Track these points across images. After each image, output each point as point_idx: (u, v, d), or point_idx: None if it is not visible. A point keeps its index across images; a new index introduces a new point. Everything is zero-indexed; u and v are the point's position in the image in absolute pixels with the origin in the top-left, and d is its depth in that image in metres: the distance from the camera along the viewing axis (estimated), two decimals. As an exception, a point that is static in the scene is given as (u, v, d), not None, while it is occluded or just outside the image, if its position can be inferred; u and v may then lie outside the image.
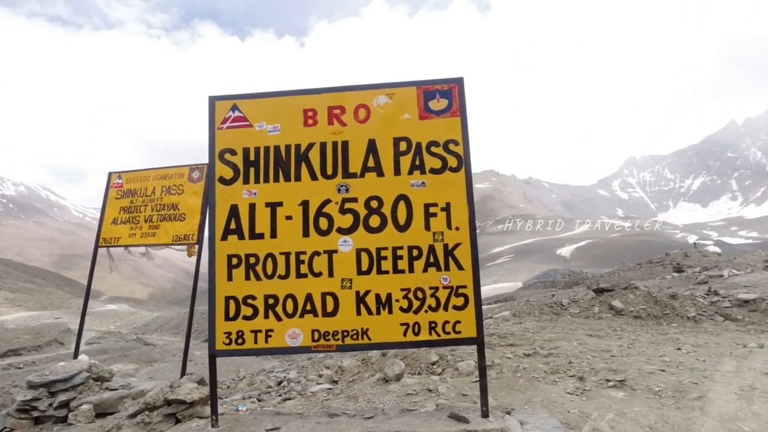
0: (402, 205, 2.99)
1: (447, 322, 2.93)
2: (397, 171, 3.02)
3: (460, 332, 2.92)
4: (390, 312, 2.93)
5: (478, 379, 5.23)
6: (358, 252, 2.99)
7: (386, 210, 2.99)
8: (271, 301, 2.97)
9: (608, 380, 4.73)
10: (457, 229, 2.98)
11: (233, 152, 3.14)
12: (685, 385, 4.48)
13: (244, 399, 6.89)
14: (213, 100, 3.18)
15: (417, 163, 3.03)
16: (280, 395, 6.70)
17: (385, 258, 2.95)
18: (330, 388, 6.06)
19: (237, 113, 3.16)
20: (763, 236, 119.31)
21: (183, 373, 4.91)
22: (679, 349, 6.30)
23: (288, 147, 3.12)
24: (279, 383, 7.87)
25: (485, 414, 2.93)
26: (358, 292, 2.96)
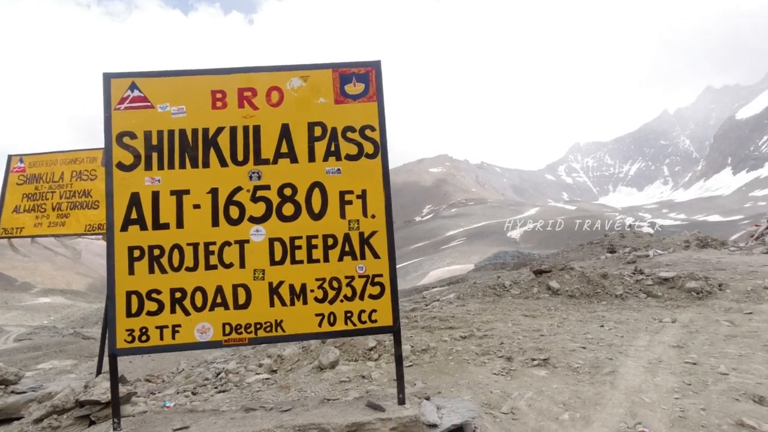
0: (317, 192, 2.89)
1: (363, 311, 2.89)
2: (311, 157, 2.91)
3: (376, 321, 2.90)
4: (305, 303, 2.86)
5: (411, 364, 5.33)
6: (271, 241, 2.87)
7: (300, 198, 2.89)
8: (178, 294, 2.80)
9: (533, 359, 4.94)
10: (373, 216, 2.92)
11: (133, 136, 2.89)
12: (601, 361, 4.76)
13: (178, 393, 6.63)
14: (108, 78, 2.89)
15: (332, 149, 2.93)
16: (216, 387, 6.51)
17: (300, 247, 2.86)
18: (267, 378, 5.94)
19: (136, 93, 2.90)
20: (690, 218, 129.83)
21: (99, 371, 4.62)
22: (602, 326, 6.69)
23: (195, 131, 2.92)
24: (217, 374, 7.65)
25: (401, 401, 2.95)
26: (271, 283, 2.85)
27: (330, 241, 2.88)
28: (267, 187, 2.89)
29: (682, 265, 11.95)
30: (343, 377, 4.90)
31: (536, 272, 12.30)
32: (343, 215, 2.90)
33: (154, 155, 2.88)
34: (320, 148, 2.92)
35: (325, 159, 2.92)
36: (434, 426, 2.80)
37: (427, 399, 3.20)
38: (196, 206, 2.87)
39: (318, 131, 2.93)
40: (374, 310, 2.89)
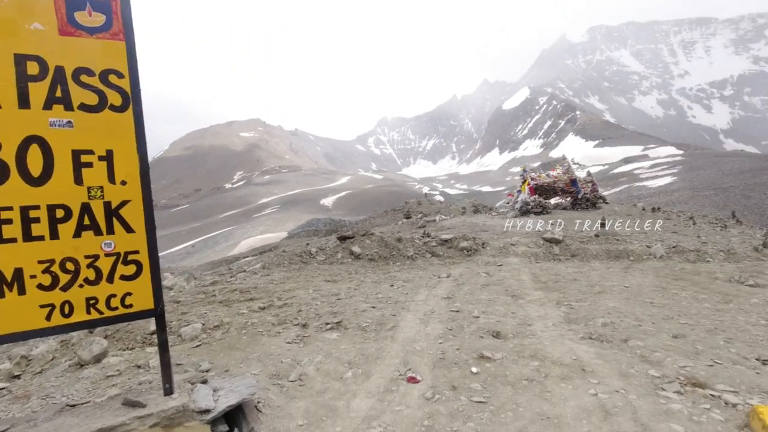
0: (35, 149, 2.19)
1: (113, 295, 2.40)
2: (24, 102, 2.17)
3: (131, 306, 2.45)
4: (22, 292, 2.19)
5: (200, 343, 4.89)
6: (-42, 215, 2.09)
7: (7, 155, 2.15)
8: None
9: (327, 323, 5.11)
10: (124, 183, 2.40)
11: None
12: (386, 318, 5.24)
13: None
14: None
15: (58, 94, 2.24)
16: None
17: (10, 222, 2.15)
18: (2, 389, 4.66)
19: None
20: (470, 188, 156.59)
21: None
22: (392, 285, 7.40)
23: None
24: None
25: (169, 391, 2.61)
26: (-40, 272, 2.09)
27: (60, 213, 2.25)
28: (-51, 139, 2.06)
29: (459, 228, 14.25)
30: (111, 371, 4.17)
31: (340, 238, 12.91)
32: (79, 181, 2.29)
33: None
34: (38, 91, 2.19)
35: (48, 107, 2.21)
36: (207, 412, 2.57)
37: (204, 382, 2.93)
38: None
39: (33, 68, 2.18)
40: (129, 293, 2.42)
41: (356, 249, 11.93)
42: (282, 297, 6.86)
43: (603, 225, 11.75)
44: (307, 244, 17.04)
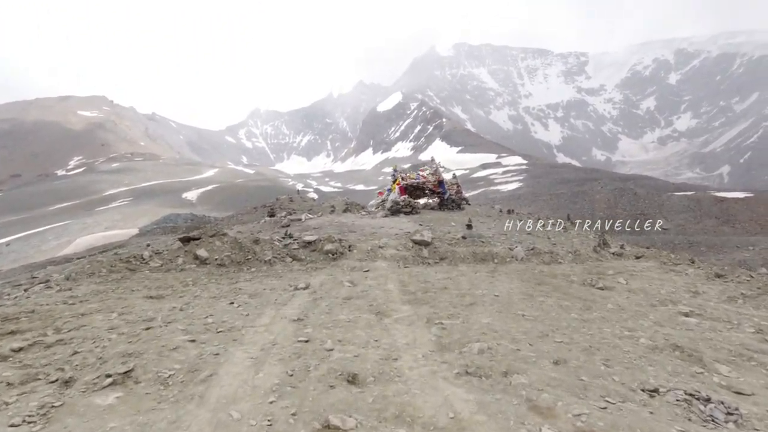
0: None
1: None
2: None
3: None
4: None
5: None
6: None
7: None
8: None
9: (109, 375, 3.42)
10: None
11: None
12: (204, 360, 3.74)
13: None
14: None
15: None
16: None
17: None
18: None
19: None
20: (345, 186, 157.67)
21: None
22: (232, 303, 5.85)
23: None
24: None
25: None
26: None
27: None
28: None
29: (325, 228, 13.08)
30: None
31: (183, 240, 10.69)
32: None
33: None
34: None
35: None
36: None
37: None
38: None
39: None
40: None
41: (202, 253, 9.94)
42: (63, 328, 4.81)
43: (469, 227, 11.79)
44: (148, 245, 14.16)
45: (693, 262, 10.47)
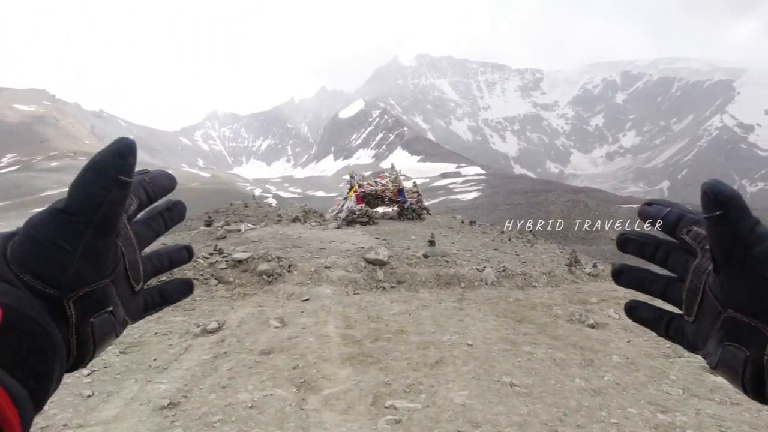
0: None
1: None
2: None
3: None
4: None
5: None
6: None
7: None
8: None
9: None
10: None
11: None
12: None
13: None
14: None
15: None
16: None
17: None
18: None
19: None
20: (305, 192, 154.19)
21: None
22: (76, 372, 3.93)
23: None
24: None
25: None
26: None
27: None
28: None
29: (266, 242, 11.21)
30: None
31: (79, 256, 8.57)
32: None
33: None
34: None
35: None
36: None
37: None
38: None
39: None
40: None
41: (100, 273, 7.83)
42: None
43: (431, 243, 10.38)
44: None
45: (676, 286, 9.54)
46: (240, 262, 8.50)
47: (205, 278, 8.07)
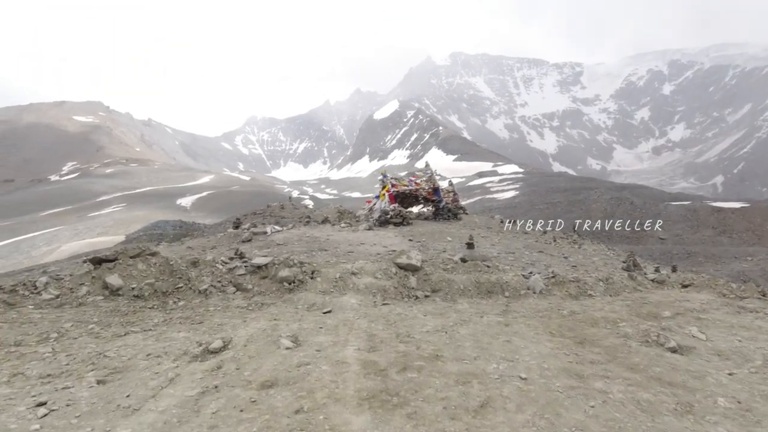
0: None
1: None
2: None
3: None
4: None
5: None
6: None
7: None
8: None
9: None
10: None
11: None
12: None
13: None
14: None
15: None
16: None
17: None
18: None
19: None
20: (341, 193, 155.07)
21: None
22: (42, 403, 3.25)
23: None
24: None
25: None
26: None
27: None
28: None
29: (292, 245, 10.55)
30: None
31: (94, 261, 8.15)
32: None
33: None
34: None
35: None
36: None
37: None
38: None
39: None
40: None
41: (114, 280, 7.45)
42: None
43: (470, 246, 9.35)
44: (44, 271, 11.60)
45: (764, 295, 8.05)
46: (260, 267, 7.83)
47: (222, 285, 7.46)
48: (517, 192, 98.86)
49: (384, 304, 6.63)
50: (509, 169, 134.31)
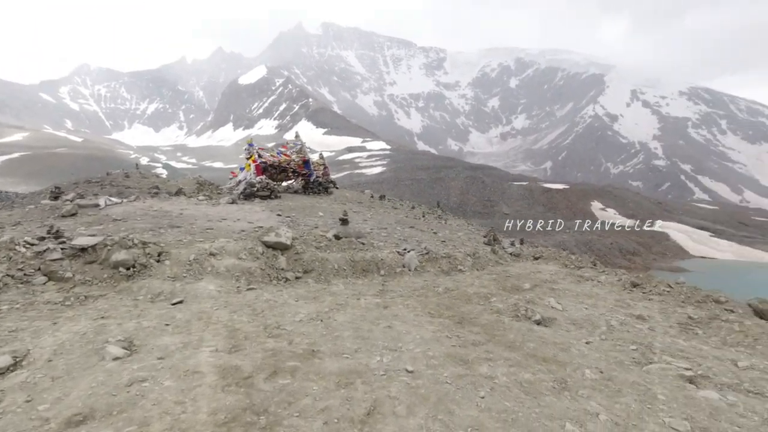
0: None
1: None
2: None
3: None
4: None
5: None
6: None
7: None
8: None
9: None
10: None
11: None
12: None
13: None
14: None
15: None
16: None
17: None
18: None
19: None
20: (201, 163, 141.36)
21: None
22: None
23: None
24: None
25: None
26: None
27: None
28: None
29: (134, 220, 8.76)
30: None
31: None
32: None
33: None
34: None
35: None
36: None
37: None
38: None
39: None
40: None
41: None
42: None
43: (344, 221, 8.89)
44: None
45: (595, 265, 9.34)
46: (84, 250, 6.18)
47: (26, 275, 5.70)
48: (385, 168, 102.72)
49: (249, 289, 5.78)
50: (378, 145, 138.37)
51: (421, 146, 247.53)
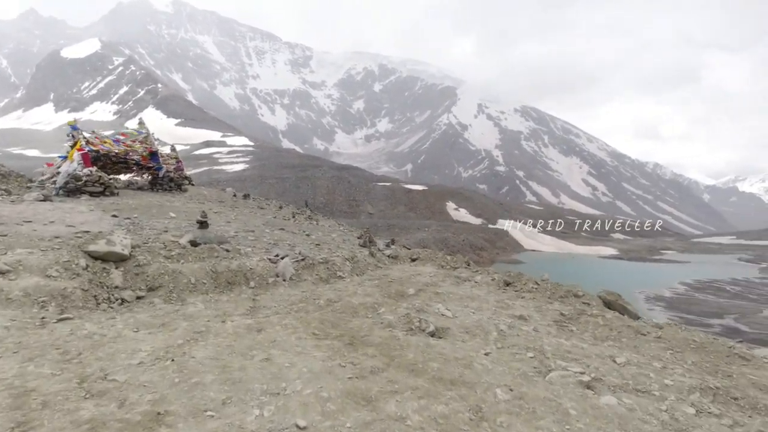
0: None
1: None
2: None
3: None
4: None
5: None
6: None
7: None
8: None
9: None
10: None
11: None
12: None
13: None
14: None
15: None
16: None
17: None
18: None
19: None
20: (6, 149, 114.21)
21: None
22: None
23: None
24: None
25: None
26: None
27: None
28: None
29: None
30: None
31: None
32: None
33: None
34: None
35: None
36: None
37: None
38: None
39: None
40: None
41: None
42: None
43: (203, 224, 7.41)
44: None
45: (469, 265, 9.59)
46: None
47: None
48: (248, 165, 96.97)
49: (62, 320, 4.18)
50: (240, 141, 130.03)
51: (286, 144, 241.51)
